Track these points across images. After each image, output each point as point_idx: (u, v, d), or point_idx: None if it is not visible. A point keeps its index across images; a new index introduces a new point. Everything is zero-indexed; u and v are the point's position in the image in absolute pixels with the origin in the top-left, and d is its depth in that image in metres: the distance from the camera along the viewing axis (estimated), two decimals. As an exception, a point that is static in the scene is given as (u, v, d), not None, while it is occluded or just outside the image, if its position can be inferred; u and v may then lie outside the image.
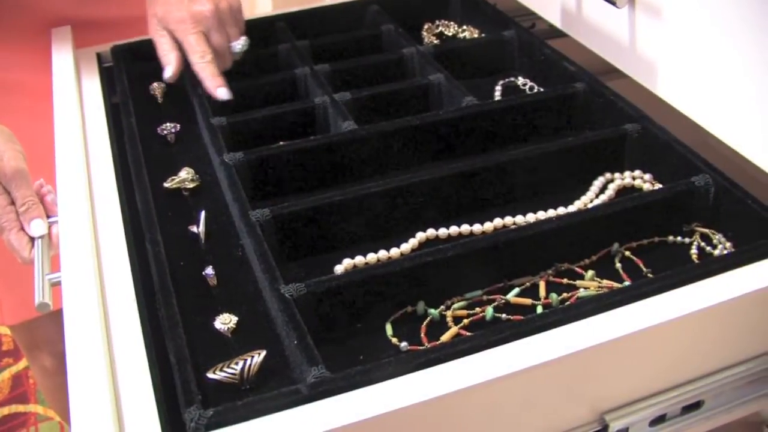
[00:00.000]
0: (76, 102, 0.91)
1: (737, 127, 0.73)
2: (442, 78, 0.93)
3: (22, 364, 2.02)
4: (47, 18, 1.06)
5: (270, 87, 0.97)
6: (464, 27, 1.13)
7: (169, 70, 0.95)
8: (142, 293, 0.67)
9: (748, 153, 0.73)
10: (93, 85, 0.98)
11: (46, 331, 1.26)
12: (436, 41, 1.11)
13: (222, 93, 0.92)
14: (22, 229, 0.80)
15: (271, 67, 1.03)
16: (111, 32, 1.09)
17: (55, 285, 0.72)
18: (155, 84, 1.01)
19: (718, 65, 0.74)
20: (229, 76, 0.95)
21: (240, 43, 0.98)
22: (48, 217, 0.81)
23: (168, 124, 0.93)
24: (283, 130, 0.90)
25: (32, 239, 0.80)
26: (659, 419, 0.64)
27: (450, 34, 1.13)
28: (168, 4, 0.95)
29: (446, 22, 1.15)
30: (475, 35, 1.11)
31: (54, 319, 0.78)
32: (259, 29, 1.04)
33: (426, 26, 1.14)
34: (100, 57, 1.05)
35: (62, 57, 0.99)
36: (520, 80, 1.00)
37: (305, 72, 0.97)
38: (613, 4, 0.82)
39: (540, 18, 1.05)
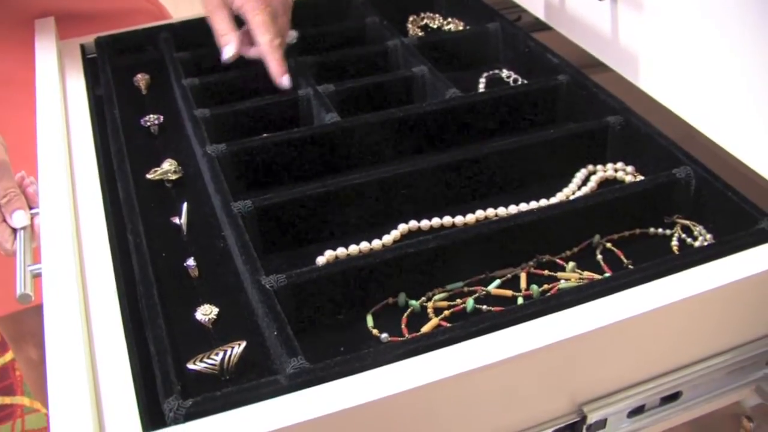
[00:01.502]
0: (59, 93, 0.91)
1: (719, 119, 0.73)
2: (426, 70, 0.93)
3: (8, 356, 2.01)
4: (31, 10, 1.05)
5: (253, 79, 0.97)
6: (449, 19, 1.13)
7: (230, 50, 0.89)
8: (123, 284, 0.66)
9: (730, 146, 0.73)
10: (76, 77, 0.97)
11: (31, 323, 1.25)
12: (420, 33, 1.11)
13: (286, 81, 0.89)
14: (5, 220, 0.80)
15: (255, 59, 1.02)
16: (95, 24, 1.08)
17: (37, 276, 0.72)
18: (139, 75, 1.01)
19: (700, 58, 0.74)
20: (214, 69, 0.94)
21: (292, 35, 0.95)
22: (30, 208, 0.81)
23: (151, 115, 0.93)
24: (266, 122, 0.90)
25: (14, 231, 0.80)
26: (638, 410, 0.64)
27: (435, 26, 1.13)
28: None
29: (431, 14, 1.15)
30: (460, 27, 1.11)
31: (39, 311, 0.78)
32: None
33: (411, 19, 1.14)
34: (83, 48, 1.04)
35: (45, 48, 0.99)
36: (504, 72, 1.00)
37: (289, 64, 0.97)
38: (596, -4, 0.82)
39: (525, 11, 1.06)
